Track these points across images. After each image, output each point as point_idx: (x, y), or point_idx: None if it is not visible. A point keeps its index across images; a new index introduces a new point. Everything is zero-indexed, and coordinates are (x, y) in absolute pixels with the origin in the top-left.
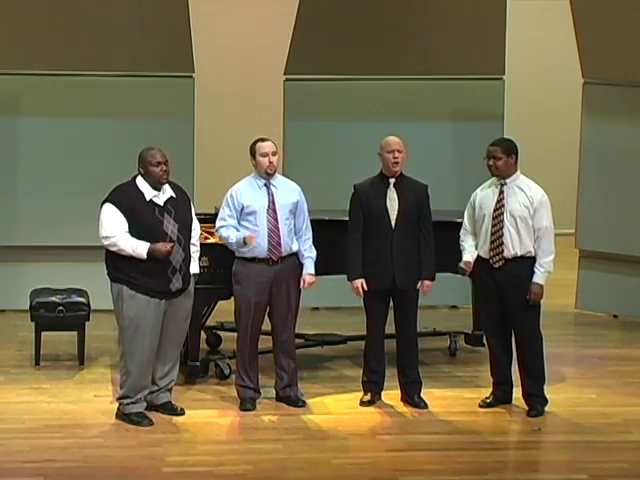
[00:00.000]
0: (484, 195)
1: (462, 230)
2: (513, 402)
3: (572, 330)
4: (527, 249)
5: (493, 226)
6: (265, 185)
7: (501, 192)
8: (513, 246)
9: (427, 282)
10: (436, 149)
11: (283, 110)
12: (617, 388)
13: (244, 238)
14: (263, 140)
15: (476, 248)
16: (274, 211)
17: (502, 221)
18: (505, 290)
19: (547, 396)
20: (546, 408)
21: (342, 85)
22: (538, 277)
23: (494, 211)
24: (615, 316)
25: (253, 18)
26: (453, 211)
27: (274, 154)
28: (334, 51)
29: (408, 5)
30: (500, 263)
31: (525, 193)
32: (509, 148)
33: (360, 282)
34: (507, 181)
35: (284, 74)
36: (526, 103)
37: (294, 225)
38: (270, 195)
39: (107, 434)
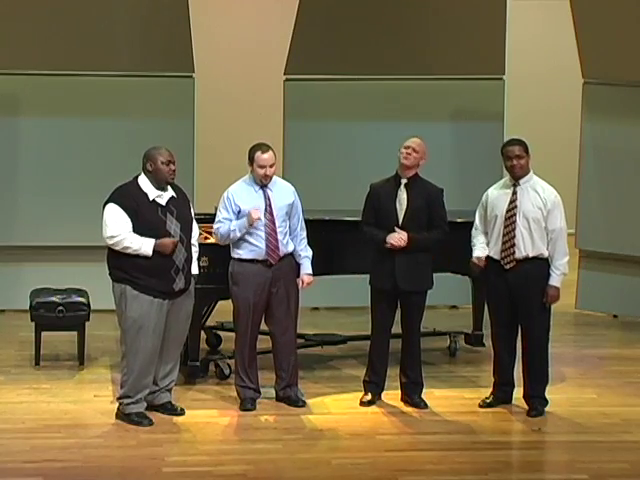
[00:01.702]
0: (496, 196)
1: (473, 229)
2: (513, 402)
3: (572, 330)
4: (539, 251)
5: (505, 227)
6: (261, 188)
7: (514, 193)
8: (525, 247)
9: (405, 233)
10: (436, 149)
11: (283, 110)
12: (617, 388)
13: (247, 217)
14: (263, 151)
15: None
16: (271, 214)
17: (514, 222)
18: (516, 291)
19: (547, 396)
20: (546, 408)
21: (342, 85)
22: (554, 280)
23: (506, 212)
24: (615, 316)
25: (253, 18)
26: (453, 211)
27: (272, 166)
28: (334, 51)
29: (408, 5)
30: (511, 264)
31: (539, 194)
32: (527, 147)
33: (391, 234)
34: (521, 182)
35: (284, 74)
36: (526, 103)
37: (289, 226)
38: (267, 198)
39: (107, 434)
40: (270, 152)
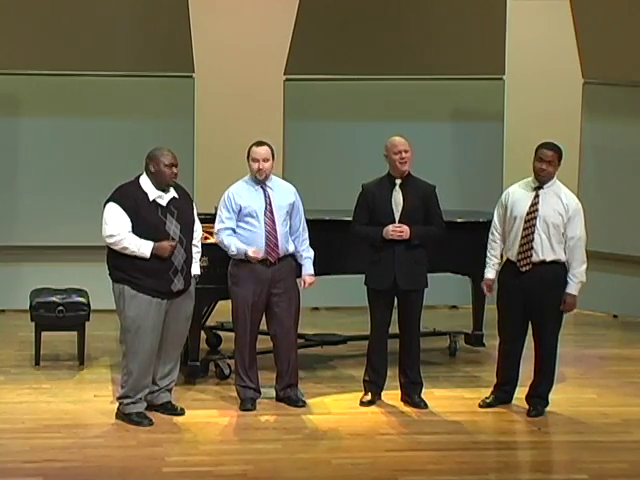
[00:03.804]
0: (517, 197)
1: (491, 232)
2: (513, 402)
3: (572, 330)
4: (556, 256)
5: (524, 229)
6: (261, 187)
7: (536, 196)
8: (543, 252)
9: (404, 226)
10: (436, 149)
11: (283, 110)
12: (617, 388)
13: (246, 254)
14: (259, 145)
15: (502, 250)
16: (271, 213)
17: (534, 226)
18: (530, 294)
19: (549, 397)
20: (546, 409)
21: (342, 85)
22: (572, 288)
23: (527, 215)
24: (615, 316)
25: (253, 18)
26: (453, 211)
27: (265, 160)
28: (334, 51)
29: (408, 5)
30: (527, 267)
31: (561, 200)
32: (561, 155)
33: (391, 227)
34: (544, 186)
35: (284, 74)
36: (526, 103)
37: (290, 226)
38: (267, 197)
39: (107, 434)
40: (265, 147)
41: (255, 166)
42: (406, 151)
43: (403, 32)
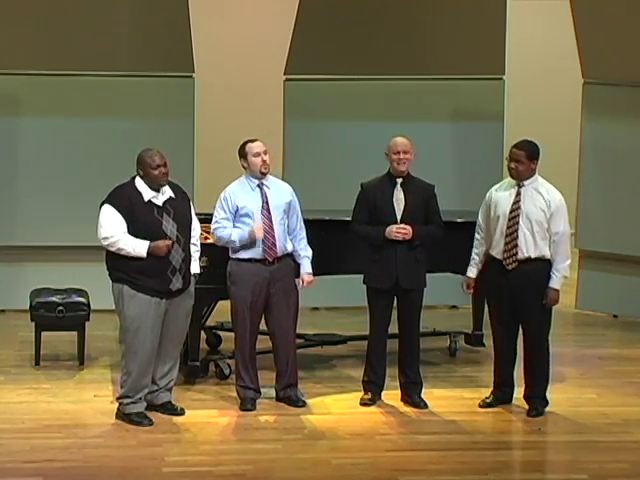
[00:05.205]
0: (500, 196)
1: (477, 230)
2: (513, 402)
3: (572, 330)
4: (541, 252)
5: (508, 227)
6: (258, 186)
7: (518, 194)
8: (527, 249)
9: (408, 227)
10: (436, 149)
11: (283, 110)
12: (617, 388)
13: (250, 233)
14: (253, 140)
15: (489, 248)
16: (268, 212)
17: (517, 223)
18: (517, 291)
19: (548, 397)
20: (546, 408)
21: (342, 85)
22: (554, 282)
23: (510, 212)
24: (615, 316)
25: (253, 18)
26: (453, 211)
27: (266, 153)
28: (334, 51)
29: (408, 5)
30: (513, 265)
31: (542, 196)
32: (533, 153)
33: (394, 227)
34: (525, 183)
35: (284, 74)
36: (526, 103)
37: (288, 225)
38: (264, 196)
39: (107, 434)
40: (259, 141)
41: (259, 160)
42: (405, 152)
43: (403, 32)
